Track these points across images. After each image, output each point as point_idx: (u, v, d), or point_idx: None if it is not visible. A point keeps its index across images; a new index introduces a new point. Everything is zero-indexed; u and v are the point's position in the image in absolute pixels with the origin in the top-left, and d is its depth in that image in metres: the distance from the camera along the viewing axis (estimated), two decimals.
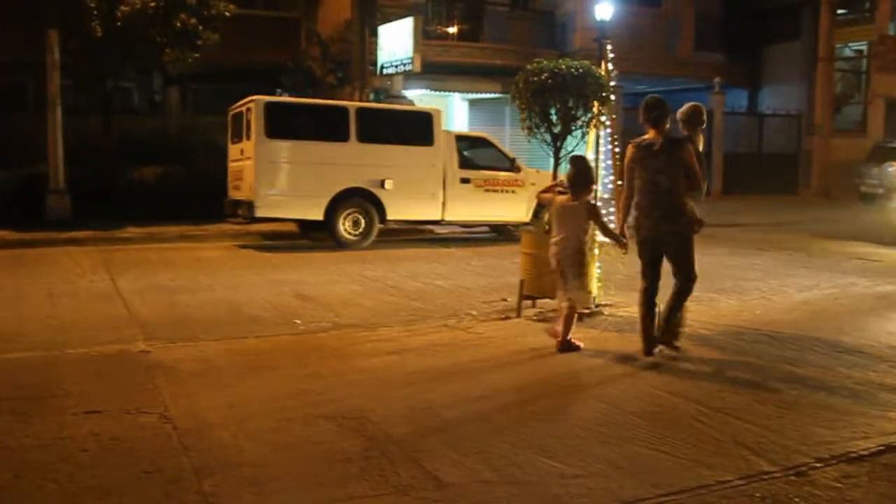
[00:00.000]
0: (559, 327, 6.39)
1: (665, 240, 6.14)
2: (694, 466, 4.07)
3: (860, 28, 26.96)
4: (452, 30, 23.48)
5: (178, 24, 15.23)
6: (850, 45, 27.97)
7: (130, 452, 4.12)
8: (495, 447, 4.29)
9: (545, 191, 6.74)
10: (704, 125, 6.88)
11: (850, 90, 29.17)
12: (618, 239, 6.42)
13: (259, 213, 12.66)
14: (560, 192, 6.54)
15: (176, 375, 5.53)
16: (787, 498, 3.76)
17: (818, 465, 4.11)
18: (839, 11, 26.88)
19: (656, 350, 6.21)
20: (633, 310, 7.80)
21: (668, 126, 6.13)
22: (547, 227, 7.44)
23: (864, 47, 27.93)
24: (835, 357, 6.34)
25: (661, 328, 6.25)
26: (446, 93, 23.09)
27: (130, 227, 14.07)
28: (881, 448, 4.35)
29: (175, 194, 15.29)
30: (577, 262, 6.36)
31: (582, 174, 6.39)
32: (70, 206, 14.77)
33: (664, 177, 6.02)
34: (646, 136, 6.14)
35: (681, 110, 6.71)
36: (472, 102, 24.62)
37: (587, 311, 7.12)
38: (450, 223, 14.31)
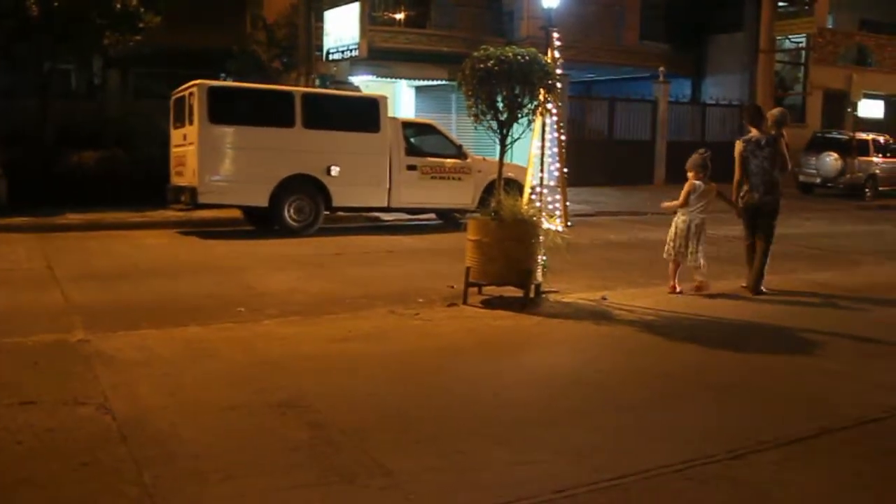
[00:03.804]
0: (699, 279, 8.39)
1: (765, 208, 8.38)
2: (635, 451, 4.12)
3: (800, 21, 27.46)
4: (399, 16, 23.37)
5: (119, 6, 14.88)
6: (790, 37, 28.49)
7: (67, 444, 4.02)
8: (442, 434, 4.29)
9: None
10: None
11: (790, 81, 29.76)
12: (736, 207, 8.55)
13: (202, 200, 12.46)
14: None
15: (116, 364, 5.41)
16: (728, 481, 3.83)
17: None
18: (780, 4, 27.37)
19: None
20: (576, 296, 7.93)
21: (767, 125, 8.48)
22: (493, 213, 7.48)
23: (804, 39, 28.50)
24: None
25: (751, 280, 8.38)
26: (393, 79, 22.96)
27: (69, 213, 13.71)
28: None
29: (116, 180, 14.97)
30: (705, 230, 8.38)
31: (705, 161, 8.44)
32: (6, 192, 14.34)
33: (768, 163, 8.30)
34: (751, 135, 8.43)
35: (771, 113, 8.82)
36: (419, 89, 24.53)
37: None
38: (396, 210, 14.24)
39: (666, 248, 8.50)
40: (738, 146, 8.55)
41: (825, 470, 4.02)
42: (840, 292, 8.65)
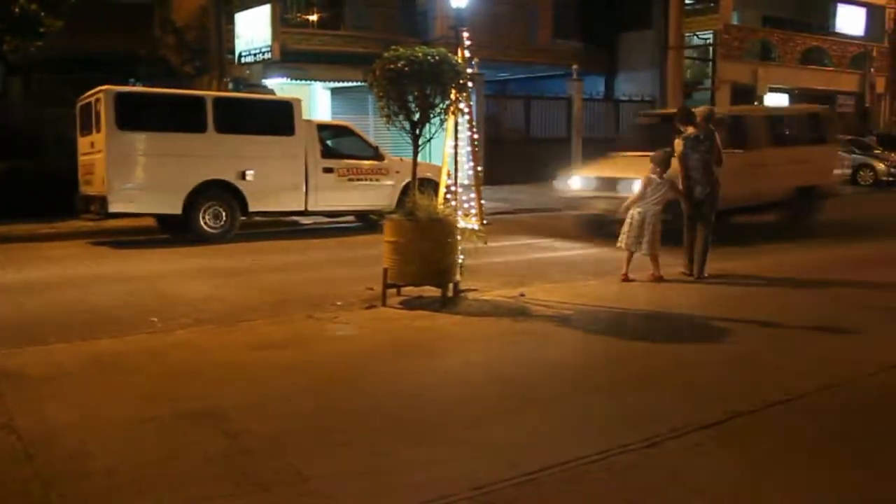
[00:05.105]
0: (652, 271, 8.73)
1: (707, 197, 8.89)
2: (552, 445, 4.17)
3: (707, 18, 28.27)
4: (313, 17, 23.19)
5: (18, 10, 14.39)
6: (698, 34, 29.27)
7: None
8: (361, 438, 4.26)
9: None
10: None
11: (699, 76, 30.58)
12: (685, 199, 8.98)
13: (113, 209, 12.16)
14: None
15: (22, 382, 5.22)
16: (644, 468, 3.90)
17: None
18: (687, 2, 28.09)
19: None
20: (495, 293, 7.99)
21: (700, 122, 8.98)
22: (408, 214, 7.47)
23: (711, 36, 29.33)
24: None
25: (696, 266, 8.89)
26: (308, 81, 22.77)
27: None
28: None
29: (22, 191, 14.46)
30: (659, 221, 8.70)
31: (669, 158, 8.87)
32: None
33: (708, 157, 8.87)
34: (689, 133, 8.93)
35: (699, 110, 9.31)
36: (335, 91, 24.38)
37: None
38: (314, 213, 14.14)
39: (620, 238, 8.83)
40: (678, 144, 8.97)
41: (736, 452, 4.12)
42: (748, 279, 8.94)
